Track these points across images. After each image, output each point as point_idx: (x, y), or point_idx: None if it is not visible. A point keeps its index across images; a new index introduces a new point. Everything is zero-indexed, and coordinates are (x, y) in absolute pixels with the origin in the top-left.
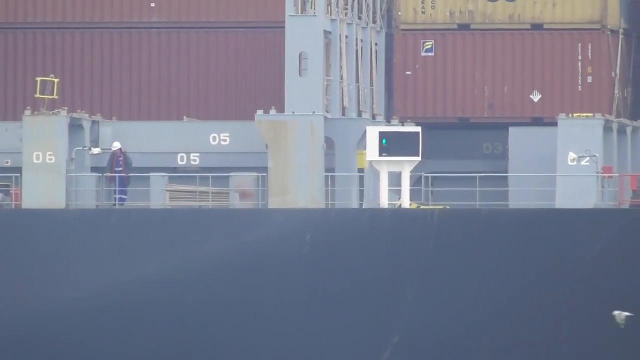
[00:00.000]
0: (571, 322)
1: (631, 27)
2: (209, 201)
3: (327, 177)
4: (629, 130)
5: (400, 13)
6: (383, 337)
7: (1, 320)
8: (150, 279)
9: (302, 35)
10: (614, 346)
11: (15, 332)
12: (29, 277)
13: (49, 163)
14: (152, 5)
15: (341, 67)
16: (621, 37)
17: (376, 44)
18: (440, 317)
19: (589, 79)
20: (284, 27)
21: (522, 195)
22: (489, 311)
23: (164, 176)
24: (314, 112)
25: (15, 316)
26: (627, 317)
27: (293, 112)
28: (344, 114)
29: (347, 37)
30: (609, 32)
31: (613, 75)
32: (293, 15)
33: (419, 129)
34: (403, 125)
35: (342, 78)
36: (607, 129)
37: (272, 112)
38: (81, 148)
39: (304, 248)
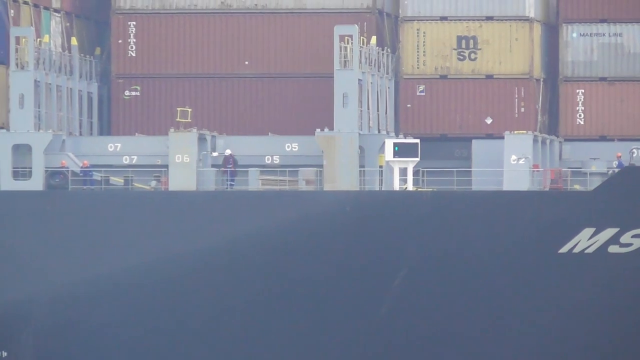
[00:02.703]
0: (502, 269)
1: (547, 76)
2: (286, 185)
3: (360, 170)
4: (547, 141)
5: (403, 68)
6: (394, 270)
7: (147, 270)
8: (248, 238)
9: (344, 82)
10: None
11: (153, 278)
12: (170, 235)
13: (185, 162)
14: (246, 62)
15: (368, 101)
16: (542, 83)
17: (388, 87)
18: (435, 259)
19: (522, 109)
20: (332, 76)
21: (481, 182)
22: (463, 258)
23: (257, 170)
24: (351, 130)
25: (165, 270)
26: None
27: (339, 130)
28: (369, 131)
29: (371, 82)
30: (534, 80)
31: (537, 107)
32: (339, 69)
33: (417, 141)
34: (406, 138)
35: (368, 108)
36: (535, 141)
37: (326, 130)
38: (205, 152)
39: (345, 214)
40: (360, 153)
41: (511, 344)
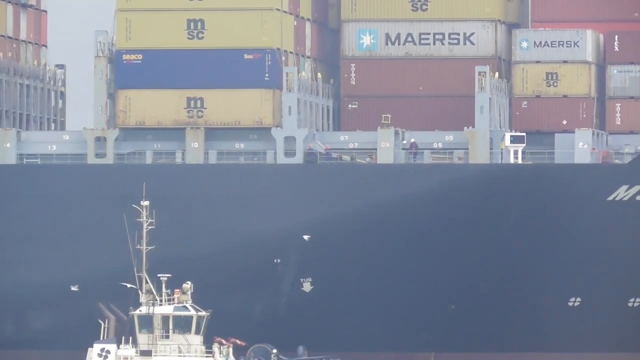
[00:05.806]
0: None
1: (599, 95)
2: (446, 160)
3: (490, 151)
4: (599, 134)
5: (514, 91)
6: (506, 210)
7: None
8: (426, 192)
9: (481, 99)
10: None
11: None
12: (379, 190)
13: (387, 146)
14: (420, 88)
15: (494, 110)
16: (595, 99)
17: (505, 102)
18: (533, 203)
19: (584, 115)
20: (473, 96)
21: (561, 158)
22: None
23: (429, 151)
24: (485, 128)
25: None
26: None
27: (478, 127)
28: (495, 128)
29: (496, 99)
30: (592, 98)
31: (593, 114)
32: (478, 92)
33: (524, 134)
34: (517, 132)
35: (494, 114)
36: (592, 134)
37: (470, 128)
38: (399, 141)
39: (481, 178)
40: (490, 141)
41: (582, 257)
